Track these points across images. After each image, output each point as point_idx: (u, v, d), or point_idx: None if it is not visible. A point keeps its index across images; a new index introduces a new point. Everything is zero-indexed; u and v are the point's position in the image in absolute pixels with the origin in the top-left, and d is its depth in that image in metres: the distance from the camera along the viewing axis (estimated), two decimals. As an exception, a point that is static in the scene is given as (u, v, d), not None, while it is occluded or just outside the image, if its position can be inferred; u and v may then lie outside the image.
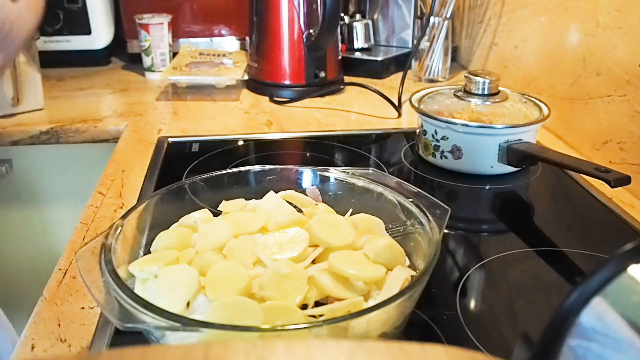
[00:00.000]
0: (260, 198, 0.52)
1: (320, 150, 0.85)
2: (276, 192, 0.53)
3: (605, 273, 0.24)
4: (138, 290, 0.42)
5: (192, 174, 0.74)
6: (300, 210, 0.51)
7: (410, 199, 0.49)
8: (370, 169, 0.54)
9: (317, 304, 0.41)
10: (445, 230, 0.54)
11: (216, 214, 0.51)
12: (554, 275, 0.56)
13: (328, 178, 0.55)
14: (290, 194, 0.54)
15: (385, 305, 0.36)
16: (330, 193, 0.55)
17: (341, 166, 0.70)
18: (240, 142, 0.87)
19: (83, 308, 0.50)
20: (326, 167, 0.55)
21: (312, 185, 0.55)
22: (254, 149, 0.85)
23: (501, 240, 0.63)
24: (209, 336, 0.34)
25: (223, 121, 0.96)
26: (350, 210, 0.52)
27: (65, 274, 0.55)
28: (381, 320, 0.38)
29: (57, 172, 0.96)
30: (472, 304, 0.51)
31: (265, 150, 0.85)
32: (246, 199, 0.53)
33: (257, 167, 0.56)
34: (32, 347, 0.46)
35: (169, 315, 0.35)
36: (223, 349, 0.22)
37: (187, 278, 0.41)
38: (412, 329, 0.46)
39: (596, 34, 0.80)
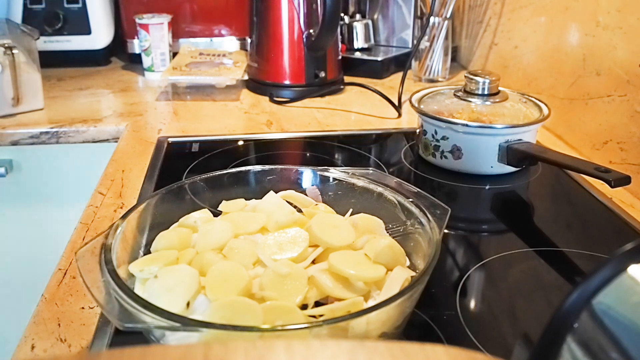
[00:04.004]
0: (260, 198, 0.52)
1: (320, 150, 0.85)
2: (276, 192, 0.53)
3: (605, 273, 0.24)
4: (138, 290, 0.42)
5: (192, 174, 0.74)
6: (300, 210, 0.51)
7: (410, 199, 0.49)
8: (370, 169, 0.54)
9: (317, 304, 0.41)
10: (445, 230, 0.54)
11: (216, 214, 0.51)
12: (554, 275, 0.56)
13: (328, 178, 0.55)
14: (290, 194, 0.54)
15: (385, 305, 0.36)
16: (330, 193, 0.55)
17: (341, 166, 0.70)
18: (240, 142, 0.87)
19: (83, 308, 0.50)
20: (326, 167, 0.55)
21: (312, 185, 0.55)
22: (254, 149, 0.85)
23: (501, 240, 0.63)
24: (209, 336, 0.34)
25: (223, 121, 0.96)
26: (350, 210, 0.52)
27: (65, 274, 0.55)
28: (381, 320, 0.38)
29: (57, 172, 0.96)
30: (472, 304, 0.51)
31: (265, 150, 0.85)
32: (246, 199, 0.53)
33: (257, 167, 0.56)
34: (32, 347, 0.46)
35: (169, 315, 0.35)
36: (223, 349, 0.22)
37: (187, 278, 0.41)
38: (412, 329, 0.46)
39: (596, 34, 0.80)
